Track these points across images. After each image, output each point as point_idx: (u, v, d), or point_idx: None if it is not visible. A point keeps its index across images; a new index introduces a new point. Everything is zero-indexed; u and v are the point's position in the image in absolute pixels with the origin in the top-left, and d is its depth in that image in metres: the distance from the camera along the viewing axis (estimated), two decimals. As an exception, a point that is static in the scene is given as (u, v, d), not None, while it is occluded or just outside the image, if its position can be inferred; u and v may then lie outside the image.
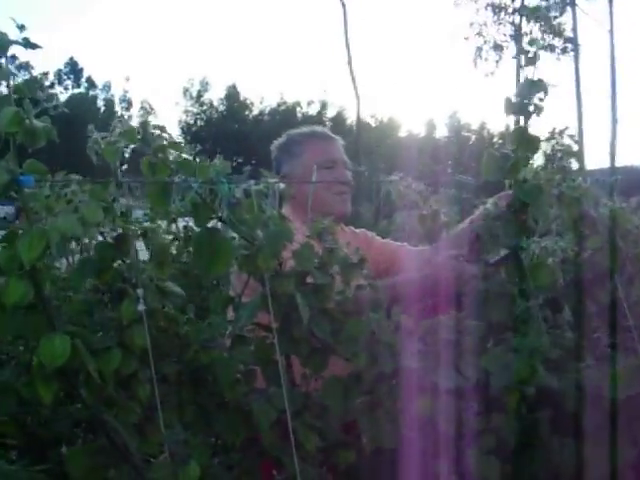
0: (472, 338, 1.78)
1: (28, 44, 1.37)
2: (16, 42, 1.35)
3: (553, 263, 2.20)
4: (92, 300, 1.54)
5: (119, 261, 1.53)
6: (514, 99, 1.89)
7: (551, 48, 26.74)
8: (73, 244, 1.66)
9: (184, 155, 1.56)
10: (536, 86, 1.86)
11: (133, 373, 1.50)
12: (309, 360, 1.68)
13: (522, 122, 1.91)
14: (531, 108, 1.89)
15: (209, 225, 1.54)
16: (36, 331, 1.34)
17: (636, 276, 2.36)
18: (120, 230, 1.51)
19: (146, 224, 1.60)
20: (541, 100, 1.90)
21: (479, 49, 26.86)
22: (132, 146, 1.56)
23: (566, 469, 1.71)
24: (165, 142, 1.59)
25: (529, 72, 1.97)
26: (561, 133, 2.24)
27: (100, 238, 1.55)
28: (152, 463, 1.39)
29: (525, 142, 1.87)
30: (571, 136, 2.22)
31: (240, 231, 1.51)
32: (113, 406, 1.49)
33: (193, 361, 1.62)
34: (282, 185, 1.57)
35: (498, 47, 27.15)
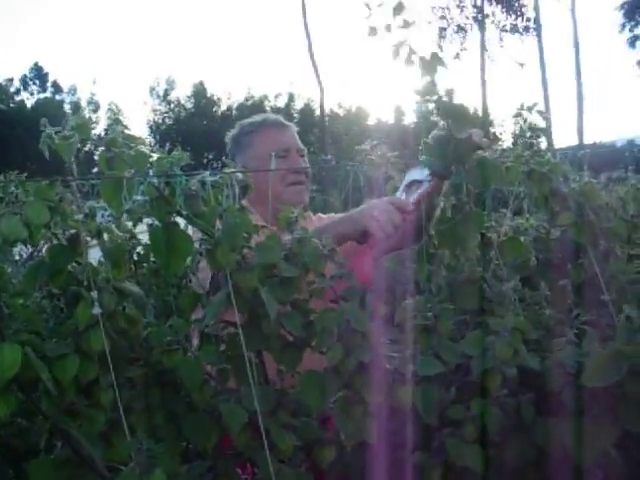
0: (448, 323, 1.72)
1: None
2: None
3: (525, 241, 2.16)
4: (46, 305, 1.46)
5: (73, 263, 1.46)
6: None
7: (514, 29, 26.82)
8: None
9: (142, 148, 1.49)
10: (433, 60, 1.82)
11: (94, 379, 1.42)
12: (282, 356, 1.61)
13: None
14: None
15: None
16: (-15, 342, 1.27)
17: (611, 251, 2.32)
18: (72, 230, 1.43)
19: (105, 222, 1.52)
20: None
21: (442, 30, 26.84)
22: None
23: (552, 452, 1.66)
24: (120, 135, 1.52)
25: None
26: (530, 109, 2.19)
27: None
28: (118, 473, 1.32)
29: (455, 116, 1.81)
30: (540, 112, 2.18)
31: (198, 225, 1.44)
32: (75, 415, 1.41)
33: (158, 364, 1.54)
34: (240, 175, 1.50)
35: (461, 29, 27.17)
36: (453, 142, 1.82)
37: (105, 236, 1.48)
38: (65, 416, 1.40)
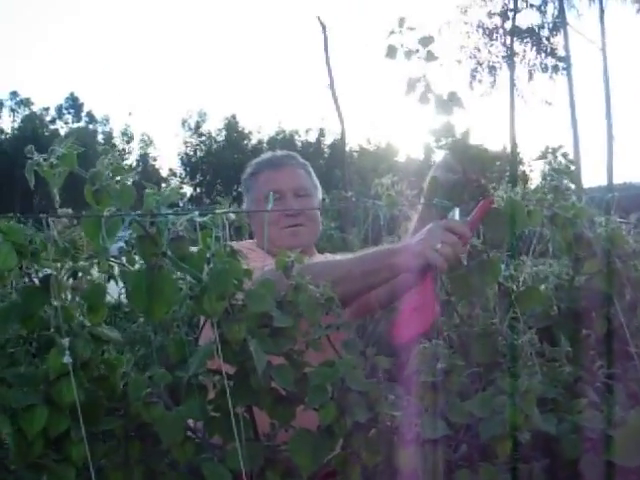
0: (459, 380, 1.59)
1: None
2: None
3: (546, 290, 2.02)
4: (16, 351, 1.36)
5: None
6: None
7: (544, 68, 26.70)
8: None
9: (127, 182, 1.39)
10: (450, 99, 1.71)
11: (65, 432, 1.31)
12: (274, 410, 1.48)
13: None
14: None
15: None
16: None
17: (638, 301, 2.19)
18: (47, 271, 1.32)
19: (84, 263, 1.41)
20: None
21: (474, 71, 26.84)
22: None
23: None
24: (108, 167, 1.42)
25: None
26: (554, 152, 2.07)
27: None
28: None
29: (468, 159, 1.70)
30: (564, 154, 2.06)
31: (183, 269, 1.32)
32: (42, 470, 1.29)
33: (138, 416, 1.43)
34: (232, 216, 1.39)
35: (492, 68, 27.10)
36: (463, 185, 1.72)
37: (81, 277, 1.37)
38: (32, 472, 1.29)
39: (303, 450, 1.41)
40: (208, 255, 1.32)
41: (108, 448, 1.45)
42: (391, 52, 1.84)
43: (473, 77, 26.57)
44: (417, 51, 1.83)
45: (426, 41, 1.82)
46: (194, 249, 1.36)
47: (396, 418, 1.47)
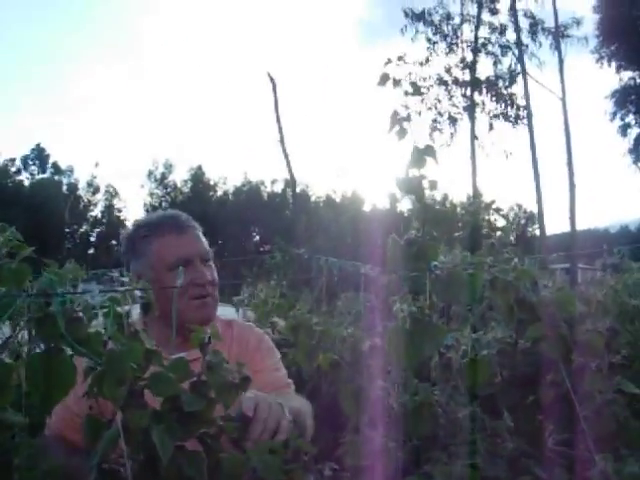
0: (395, 460, 1.50)
1: None
2: None
3: (488, 356, 1.94)
4: None
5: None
6: (403, 175, 1.65)
7: (506, 117, 27.03)
8: None
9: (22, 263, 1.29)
10: (423, 153, 1.62)
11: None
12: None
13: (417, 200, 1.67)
14: (425, 182, 1.65)
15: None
16: None
17: (586, 365, 2.12)
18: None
19: None
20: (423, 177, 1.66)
21: (434, 122, 27.09)
22: None
23: None
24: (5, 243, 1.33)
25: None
26: (488, 208, 2.02)
27: None
28: None
29: (432, 220, 1.61)
30: (498, 210, 2.01)
31: (81, 352, 1.22)
32: None
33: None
34: (138, 293, 1.29)
35: (453, 119, 27.39)
36: (422, 245, 1.64)
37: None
38: None
39: None
40: (105, 338, 1.22)
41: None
42: (384, 79, 1.80)
43: (434, 128, 26.83)
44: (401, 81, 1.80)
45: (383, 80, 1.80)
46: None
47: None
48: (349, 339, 1.84)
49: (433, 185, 1.65)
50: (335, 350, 1.83)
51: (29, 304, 1.23)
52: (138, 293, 1.29)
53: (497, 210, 2.07)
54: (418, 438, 1.69)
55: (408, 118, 1.71)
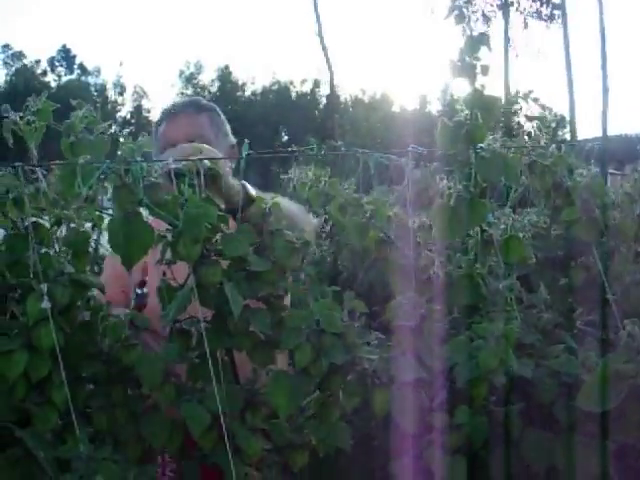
0: (436, 324, 1.61)
1: None
2: None
3: (524, 238, 2.04)
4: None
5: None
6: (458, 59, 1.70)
7: (539, 15, 26.30)
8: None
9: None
10: (478, 41, 1.67)
11: (47, 376, 1.33)
12: (253, 354, 1.51)
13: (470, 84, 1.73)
14: (477, 68, 1.71)
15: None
16: None
17: (616, 249, 2.21)
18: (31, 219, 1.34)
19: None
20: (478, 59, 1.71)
21: (468, 21, 26.42)
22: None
23: (539, 468, 1.56)
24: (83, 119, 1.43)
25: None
26: (525, 97, 2.07)
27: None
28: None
29: (481, 105, 1.68)
30: (535, 100, 2.06)
31: (160, 215, 1.34)
32: (25, 414, 1.32)
33: (120, 360, 1.46)
34: (208, 163, 1.39)
35: (486, 18, 26.69)
36: (471, 127, 1.71)
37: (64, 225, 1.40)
38: (15, 415, 1.32)
39: (280, 392, 1.44)
40: (182, 200, 1.33)
41: (90, 392, 1.49)
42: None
43: (467, 25, 26.18)
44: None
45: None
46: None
47: (372, 361, 1.50)
48: (394, 218, 1.94)
49: (485, 70, 1.71)
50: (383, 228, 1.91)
51: (110, 172, 1.34)
52: (207, 163, 1.39)
53: (535, 100, 2.12)
54: (459, 308, 1.80)
55: (469, 2, 1.76)
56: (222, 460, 1.42)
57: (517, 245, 1.83)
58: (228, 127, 2.40)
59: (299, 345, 1.41)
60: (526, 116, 2.01)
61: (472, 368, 1.50)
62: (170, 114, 2.34)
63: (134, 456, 1.44)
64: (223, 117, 2.41)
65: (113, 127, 1.46)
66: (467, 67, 1.74)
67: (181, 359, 1.45)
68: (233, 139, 2.38)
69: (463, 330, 1.74)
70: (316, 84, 57.83)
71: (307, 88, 57.63)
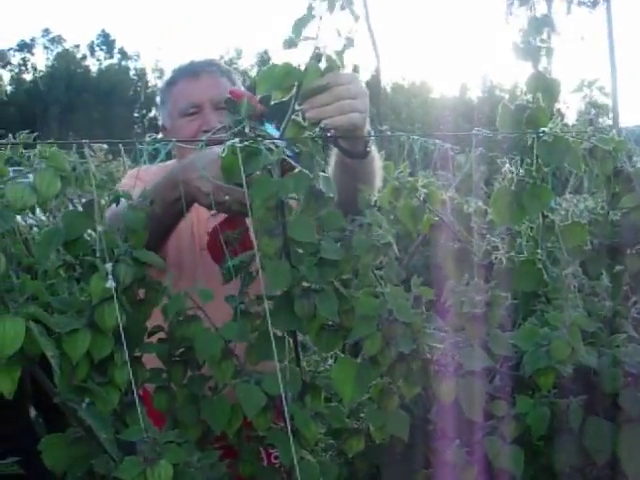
0: (501, 311, 1.58)
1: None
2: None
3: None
4: (59, 276, 1.37)
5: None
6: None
7: (582, 1, 25.86)
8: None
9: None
10: (543, 23, 1.63)
11: (109, 356, 1.33)
12: (318, 339, 1.48)
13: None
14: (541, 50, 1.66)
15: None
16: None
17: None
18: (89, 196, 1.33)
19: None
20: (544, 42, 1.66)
21: (510, 5, 25.99)
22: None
23: (601, 460, 1.52)
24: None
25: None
26: (590, 85, 2.02)
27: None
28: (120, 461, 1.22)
29: (543, 88, 1.64)
30: (601, 88, 2.01)
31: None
32: (85, 393, 1.32)
33: (182, 339, 1.45)
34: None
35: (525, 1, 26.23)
36: (533, 111, 1.67)
37: (123, 202, 1.38)
38: (76, 394, 1.31)
39: (346, 379, 1.42)
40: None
41: (151, 372, 1.48)
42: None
43: (509, 11, 25.77)
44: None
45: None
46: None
47: (437, 350, 1.48)
48: (450, 202, 1.90)
49: (549, 52, 1.67)
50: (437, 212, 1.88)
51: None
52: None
53: (600, 89, 2.07)
54: (520, 294, 1.77)
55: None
56: (280, 443, 1.41)
57: (580, 231, 1.80)
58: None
59: (370, 334, 1.39)
60: (593, 105, 1.96)
61: (541, 357, 1.47)
62: (190, 72, 2.20)
63: (193, 438, 1.43)
64: (239, 82, 2.29)
65: (153, 111, 1.43)
66: (531, 49, 1.70)
67: (241, 337, 1.43)
68: None
69: (519, 317, 1.71)
70: (355, 69, 57.52)
71: (346, 71, 57.20)
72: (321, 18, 1.38)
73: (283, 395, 1.33)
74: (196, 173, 1.54)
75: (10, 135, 1.60)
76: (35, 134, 1.46)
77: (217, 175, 1.45)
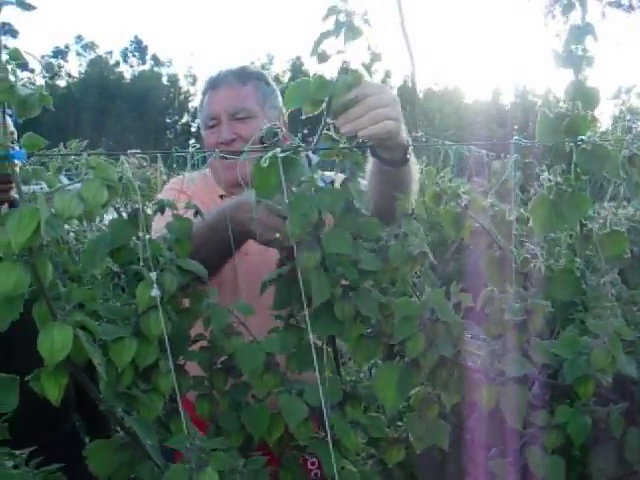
0: (541, 319, 1.57)
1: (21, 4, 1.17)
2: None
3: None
4: (105, 284, 1.40)
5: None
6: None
7: (618, 4, 25.53)
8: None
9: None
10: (584, 31, 1.63)
11: (153, 364, 1.35)
12: (358, 345, 1.48)
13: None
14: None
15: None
16: (40, 321, 1.21)
17: None
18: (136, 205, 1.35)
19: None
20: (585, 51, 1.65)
21: (550, 7, 25.75)
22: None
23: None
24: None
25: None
26: (628, 91, 2.01)
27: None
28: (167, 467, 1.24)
29: (582, 97, 1.63)
30: (638, 94, 1.99)
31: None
32: (129, 400, 1.34)
33: (223, 348, 1.47)
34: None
35: (568, 5, 26.00)
36: (573, 119, 1.66)
37: (167, 211, 1.41)
38: (121, 401, 1.34)
39: (388, 385, 1.43)
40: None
41: (194, 379, 1.50)
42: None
43: (550, 13, 25.52)
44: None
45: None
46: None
47: (478, 357, 1.47)
48: (491, 209, 1.90)
49: (590, 61, 1.67)
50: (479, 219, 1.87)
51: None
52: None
53: (638, 95, 2.05)
54: (558, 302, 1.76)
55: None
56: (321, 452, 1.42)
57: (620, 240, 1.79)
58: (279, 97, 2.26)
59: (413, 335, 1.39)
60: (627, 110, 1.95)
61: (581, 365, 1.46)
62: (211, 84, 2.25)
63: (236, 445, 1.44)
64: (274, 86, 2.29)
65: (185, 117, 1.45)
66: (573, 58, 1.69)
67: (281, 349, 1.45)
68: (284, 110, 2.21)
69: (557, 325, 1.71)
70: (387, 74, 57.59)
71: (377, 78, 57.25)
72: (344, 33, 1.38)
73: (324, 405, 1.34)
74: (247, 214, 1.55)
75: (61, 144, 1.63)
76: (85, 142, 1.47)
77: (265, 215, 1.49)
